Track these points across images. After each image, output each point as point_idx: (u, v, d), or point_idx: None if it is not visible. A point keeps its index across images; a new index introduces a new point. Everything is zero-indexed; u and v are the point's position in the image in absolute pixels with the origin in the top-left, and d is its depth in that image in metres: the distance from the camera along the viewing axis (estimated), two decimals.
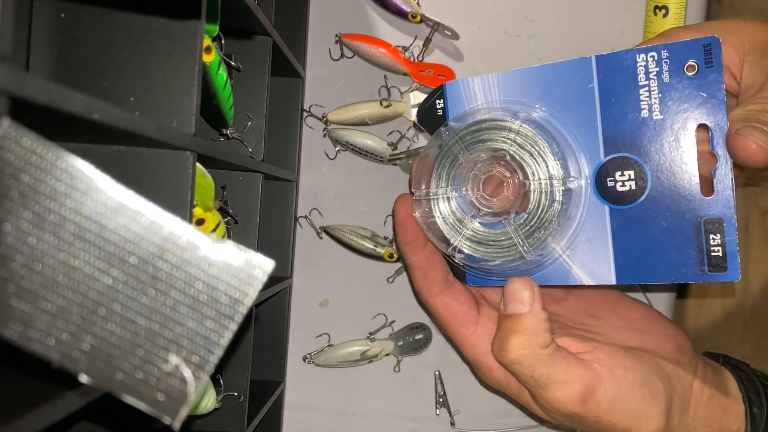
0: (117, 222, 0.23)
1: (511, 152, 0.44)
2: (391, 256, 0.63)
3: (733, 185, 0.42)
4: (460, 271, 0.50)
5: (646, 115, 0.44)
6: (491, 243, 0.46)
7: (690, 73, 0.42)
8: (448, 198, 0.47)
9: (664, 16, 0.60)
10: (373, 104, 0.62)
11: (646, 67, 0.43)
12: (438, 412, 0.65)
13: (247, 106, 0.50)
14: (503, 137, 0.45)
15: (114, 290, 0.24)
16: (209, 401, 0.45)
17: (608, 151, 0.45)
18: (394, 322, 0.64)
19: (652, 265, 0.44)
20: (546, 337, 0.44)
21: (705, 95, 0.42)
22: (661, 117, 0.43)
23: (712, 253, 0.43)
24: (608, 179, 0.45)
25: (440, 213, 0.47)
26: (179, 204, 0.35)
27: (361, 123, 0.63)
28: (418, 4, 0.62)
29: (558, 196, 0.44)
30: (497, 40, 0.63)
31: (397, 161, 0.63)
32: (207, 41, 0.41)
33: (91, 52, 0.36)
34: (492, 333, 0.48)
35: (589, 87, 0.45)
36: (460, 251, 0.46)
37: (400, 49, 0.62)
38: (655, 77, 0.43)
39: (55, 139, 0.23)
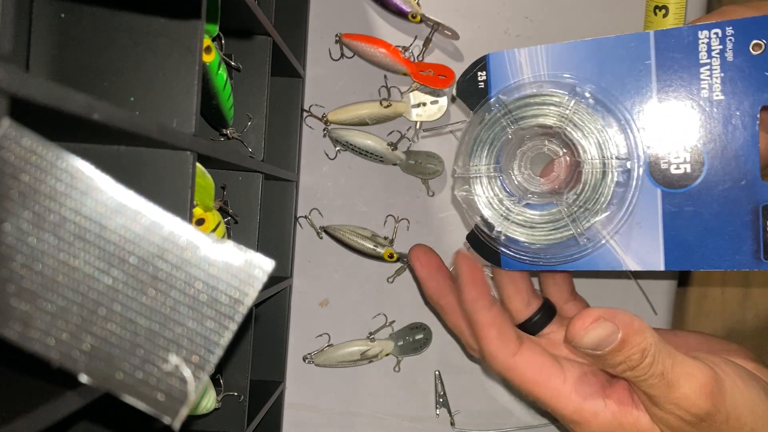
0: (117, 222, 0.23)
1: (566, 130, 0.42)
2: (391, 256, 0.63)
3: None
4: (493, 255, 0.47)
5: (706, 95, 0.42)
6: (537, 226, 0.43)
7: (756, 52, 0.40)
8: (490, 177, 0.44)
9: (664, 16, 0.60)
10: (373, 104, 0.62)
11: (709, 44, 0.41)
12: (438, 412, 0.65)
13: (247, 106, 0.50)
14: (557, 113, 0.43)
15: (114, 290, 0.24)
16: (209, 401, 0.45)
17: None
18: (394, 322, 0.64)
19: (703, 252, 0.42)
20: (652, 328, 0.40)
21: None
22: (722, 97, 0.41)
23: None
24: (662, 161, 0.43)
25: (482, 193, 0.44)
26: (179, 204, 0.35)
27: (361, 123, 0.63)
28: (418, 4, 0.62)
29: (614, 177, 0.42)
30: (497, 40, 0.63)
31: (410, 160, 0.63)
32: (207, 41, 0.41)
33: (91, 52, 0.36)
34: (582, 375, 0.43)
35: (645, 63, 0.43)
36: (505, 235, 0.44)
37: (400, 49, 0.62)
38: (717, 55, 0.41)
39: (55, 139, 0.23)
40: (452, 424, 0.64)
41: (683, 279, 0.72)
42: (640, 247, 0.43)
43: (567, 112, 0.43)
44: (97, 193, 0.23)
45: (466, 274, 0.44)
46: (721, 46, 0.41)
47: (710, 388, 0.40)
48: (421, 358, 0.64)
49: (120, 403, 0.25)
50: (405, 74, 0.62)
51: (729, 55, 0.41)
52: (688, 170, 0.42)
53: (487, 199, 0.44)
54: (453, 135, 0.64)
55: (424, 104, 0.63)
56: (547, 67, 0.45)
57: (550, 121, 0.43)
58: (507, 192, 0.44)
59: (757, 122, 0.41)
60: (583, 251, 0.44)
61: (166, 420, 0.24)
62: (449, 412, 0.64)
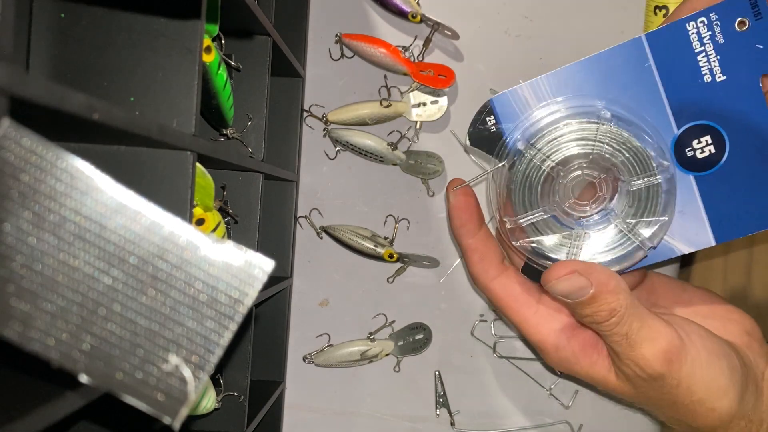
0: (117, 222, 0.23)
1: (600, 152, 0.44)
2: (391, 256, 0.63)
3: None
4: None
5: (709, 80, 0.45)
6: (602, 248, 0.46)
7: (741, 29, 0.44)
8: (545, 220, 0.46)
9: (665, 15, 0.60)
10: (373, 104, 0.62)
11: (699, 33, 0.44)
12: (438, 412, 0.65)
13: (247, 106, 0.50)
14: (586, 140, 0.45)
15: (114, 290, 0.24)
16: (209, 401, 0.45)
17: (680, 123, 0.46)
18: (394, 322, 0.64)
19: (748, 217, 0.46)
20: (629, 291, 0.43)
21: (761, 46, 0.44)
22: (724, 78, 0.45)
23: None
24: (687, 150, 0.46)
25: (547, 240, 0.46)
26: (179, 204, 0.35)
27: (361, 123, 0.63)
28: (418, 4, 0.62)
29: (661, 187, 0.44)
30: (497, 40, 0.63)
31: (402, 164, 0.63)
32: (207, 41, 0.41)
33: (91, 52, 0.36)
34: (555, 311, 0.47)
35: (645, 66, 0.45)
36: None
37: (400, 49, 0.62)
38: (709, 41, 0.44)
39: (55, 139, 0.23)
40: (452, 424, 0.64)
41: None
42: (688, 231, 0.47)
43: (596, 135, 0.45)
44: (97, 193, 0.23)
45: (456, 201, 0.48)
46: (710, 32, 0.44)
47: (669, 355, 0.43)
48: (421, 358, 0.64)
49: (120, 403, 0.25)
50: (405, 74, 0.62)
51: (719, 38, 0.44)
52: (713, 150, 0.45)
53: (551, 244, 0.47)
54: (452, 133, 0.64)
55: (424, 104, 0.63)
56: (552, 95, 0.47)
57: (584, 150, 0.45)
58: (564, 226, 0.47)
59: (761, 88, 0.44)
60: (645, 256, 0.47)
61: (166, 420, 0.24)
62: (449, 412, 0.64)
